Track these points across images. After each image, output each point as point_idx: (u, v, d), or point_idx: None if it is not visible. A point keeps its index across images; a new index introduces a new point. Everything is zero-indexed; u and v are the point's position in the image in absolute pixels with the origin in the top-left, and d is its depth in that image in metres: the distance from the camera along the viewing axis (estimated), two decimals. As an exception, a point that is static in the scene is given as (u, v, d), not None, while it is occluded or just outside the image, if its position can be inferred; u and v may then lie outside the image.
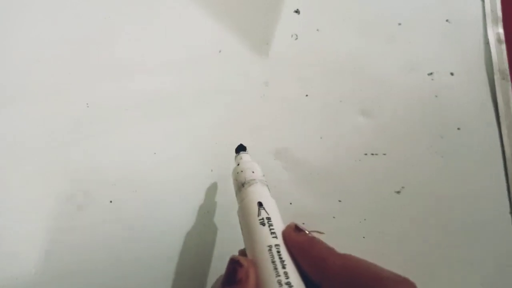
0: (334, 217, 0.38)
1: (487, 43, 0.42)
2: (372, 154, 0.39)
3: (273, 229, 0.24)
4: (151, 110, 0.38)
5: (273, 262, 0.22)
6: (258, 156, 0.37)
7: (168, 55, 0.39)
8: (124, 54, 0.38)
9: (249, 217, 0.25)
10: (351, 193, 0.38)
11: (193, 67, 0.39)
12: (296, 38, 0.41)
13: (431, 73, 0.41)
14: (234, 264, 0.23)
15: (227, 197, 0.36)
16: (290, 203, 0.38)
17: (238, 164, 0.31)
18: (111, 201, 0.35)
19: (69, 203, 0.35)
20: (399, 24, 0.42)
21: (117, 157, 0.36)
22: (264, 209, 0.25)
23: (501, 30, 0.42)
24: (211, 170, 0.37)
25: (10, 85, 0.37)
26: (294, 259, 0.23)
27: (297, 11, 0.41)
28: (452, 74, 0.41)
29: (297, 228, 0.25)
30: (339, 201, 0.38)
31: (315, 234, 0.37)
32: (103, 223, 0.35)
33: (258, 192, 0.27)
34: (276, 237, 0.24)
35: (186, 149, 0.37)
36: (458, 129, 0.40)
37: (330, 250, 0.24)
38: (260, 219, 0.25)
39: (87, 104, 0.37)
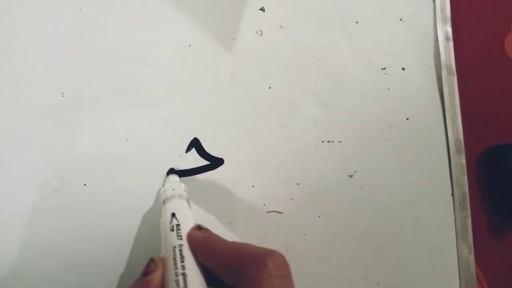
0: (292, 199, 0.41)
1: (436, 40, 0.46)
2: (328, 141, 0.42)
3: (180, 233, 0.30)
4: (124, 99, 0.40)
5: (174, 258, 0.28)
6: (225, 144, 0.41)
7: (140, 48, 0.42)
8: (96, 46, 0.41)
9: (163, 225, 0.32)
10: (308, 177, 0.42)
11: (164, 60, 0.42)
12: (261, 34, 0.44)
13: (384, 68, 0.45)
14: (149, 260, 0.29)
15: (194, 182, 0.39)
16: (253, 186, 0.41)
17: (163, 185, 0.38)
18: (85, 184, 0.38)
19: (44, 187, 0.38)
20: (357, 22, 0.45)
21: (91, 143, 0.39)
22: (175, 218, 0.32)
23: (449, 29, 0.46)
24: (180, 156, 0.40)
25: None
26: (195, 256, 0.29)
27: (262, 9, 0.44)
28: (403, 69, 0.45)
29: (198, 227, 0.31)
30: (298, 184, 0.42)
31: (275, 214, 0.41)
32: (78, 206, 0.38)
33: (174, 206, 0.34)
34: (181, 239, 0.30)
35: (156, 136, 0.40)
36: (407, 119, 0.44)
37: (218, 240, 0.29)
38: (171, 226, 0.31)
39: (63, 93, 0.40)
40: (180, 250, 0.29)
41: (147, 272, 0.28)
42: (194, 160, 0.41)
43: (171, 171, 0.40)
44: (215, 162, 0.41)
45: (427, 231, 0.42)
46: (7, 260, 0.37)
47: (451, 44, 0.46)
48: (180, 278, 0.27)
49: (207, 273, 0.28)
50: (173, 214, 0.32)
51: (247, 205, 0.41)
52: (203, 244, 0.29)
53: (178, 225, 0.31)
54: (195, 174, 0.41)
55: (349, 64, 0.44)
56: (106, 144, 0.40)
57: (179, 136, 0.41)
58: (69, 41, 0.41)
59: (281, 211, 0.41)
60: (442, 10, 0.47)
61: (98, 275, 0.37)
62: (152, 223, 0.38)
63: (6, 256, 0.37)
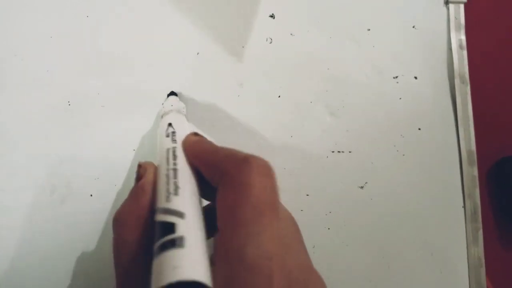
0: (302, 210, 0.41)
1: (450, 48, 0.45)
2: (339, 151, 0.42)
3: (174, 138, 0.30)
4: (131, 107, 0.40)
5: (167, 158, 0.28)
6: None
7: (148, 56, 0.41)
8: (103, 54, 0.40)
9: (160, 134, 0.32)
10: (318, 188, 0.41)
11: (172, 68, 0.41)
12: (271, 42, 0.43)
13: (396, 77, 0.44)
14: (137, 167, 0.29)
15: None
16: (261, 197, 0.40)
17: (163, 103, 0.39)
18: (91, 195, 0.38)
19: (52, 195, 0.38)
20: (368, 29, 0.44)
21: (98, 152, 0.39)
22: (172, 126, 0.32)
23: (463, 37, 0.45)
24: (188, 166, 0.40)
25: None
26: (187, 157, 0.29)
27: (272, 16, 0.43)
28: (415, 78, 0.44)
29: (195, 134, 0.31)
30: (307, 195, 0.41)
31: (284, 226, 0.40)
32: (84, 216, 0.37)
33: (172, 117, 0.34)
34: (175, 142, 0.30)
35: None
36: (419, 129, 0.43)
37: (208, 142, 0.29)
38: (166, 134, 0.31)
39: (69, 101, 0.39)
40: (173, 151, 0.29)
41: (138, 177, 0.28)
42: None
43: (172, 93, 0.40)
44: (223, 172, 0.40)
45: (438, 244, 0.42)
46: (12, 267, 0.37)
47: (465, 52, 0.45)
48: (171, 172, 0.26)
49: (198, 174, 0.28)
50: (170, 124, 0.32)
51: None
52: (193, 145, 0.29)
53: (173, 132, 0.31)
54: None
55: (361, 73, 0.43)
56: (113, 153, 0.39)
57: (187, 146, 0.40)
58: (76, 49, 0.40)
59: (290, 223, 0.41)
60: (456, 18, 0.46)
61: (103, 285, 0.37)
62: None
63: (11, 263, 0.37)
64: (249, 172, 0.23)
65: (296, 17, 0.44)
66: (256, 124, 0.41)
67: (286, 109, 0.42)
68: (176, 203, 0.25)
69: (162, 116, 0.36)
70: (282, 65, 0.43)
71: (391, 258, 0.41)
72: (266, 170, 0.24)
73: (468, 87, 0.44)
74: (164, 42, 0.41)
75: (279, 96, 0.42)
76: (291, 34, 0.43)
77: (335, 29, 0.44)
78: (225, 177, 0.24)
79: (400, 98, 0.43)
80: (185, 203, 0.25)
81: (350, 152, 0.42)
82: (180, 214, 0.24)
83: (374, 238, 0.41)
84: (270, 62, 0.42)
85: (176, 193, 0.25)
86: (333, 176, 0.41)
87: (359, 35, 0.44)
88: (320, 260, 0.40)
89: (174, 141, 0.30)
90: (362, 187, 0.42)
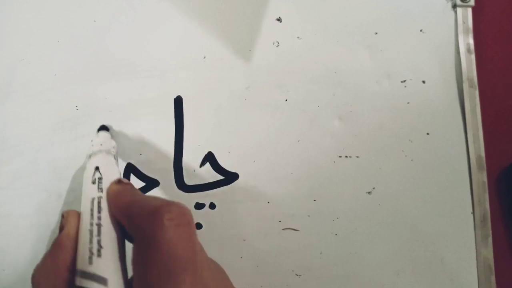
0: (309, 216, 0.40)
1: (458, 52, 0.45)
2: (346, 156, 0.41)
3: (101, 186, 0.28)
4: (136, 112, 0.40)
5: (92, 209, 0.27)
6: (240, 158, 0.40)
7: (155, 60, 0.41)
8: (110, 58, 0.40)
9: (85, 179, 0.30)
10: (325, 193, 0.41)
11: (179, 72, 0.41)
12: (278, 45, 0.43)
13: (404, 81, 0.43)
14: (61, 216, 0.27)
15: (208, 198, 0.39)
16: (268, 202, 0.40)
17: (92, 140, 0.36)
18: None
19: (58, 200, 0.38)
20: (376, 33, 0.44)
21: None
22: (99, 171, 0.30)
23: (471, 41, 0.45)
24: (194, 171, 0.40)
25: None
26: (111, 211, 0.27)
27: (279, 19, 0.43)
28: (423, 82, 0.44)
29: (118, 181, 0.29)
30: (314, 200, 0.41)
31: (291, 231, 0.40)
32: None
33: (99, 160, 0.32)
34: (101, 191, 0.28)
35: (170, 151, 0.39)
36: (427, 134, 0.43)
37: (131, 192, 0.27)
38: (92, 179, 0.29)
39: (76, 106, 0.39)
40: (99, 202, 0.27)
41: (60, 227, 0.27)
42: (209, 174, 0.40)
43: (102, 128, 0.38)
44: (229, 177, 0.40)
45: (448, 251, 0.41)
46: (17, 274, 0.37)
47: (473, 56, 0.45)
48: (95, 228, 0.25)
49: (122, 227, 0.26)
50: (97, 168, 0.30)
51: (262, 222, 0.40)
52: (116, 196, 0.27)
53: (100, 178, 0.29)
54: (209, 189, 0.40)
55: (368, 77, 0.43)
56: (120, 157, 0.39)
57: (193, 150, 0.40)
58: (83, 53, 0.40)
59: (297, 229, 0.40)
60: (464, 22, 0.45)
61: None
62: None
63: (16, 270, 0.37)
64: (160, 226, 0.21)
65: (303, 21, 0.43)
66: (263, 128, 0.41)
67: (293, 113, 0.42)
68: (99, 267, 0.23)
69: (89, 156, 0.33)
70: (289, 68, 0.42)
71: (400, 265, 0.40)
72: (179, 219, 0.22)
73: (477, 92, 0.44)
74: (171, 46, 0.41)
75: (286, 100, 0.42)
76: (298, 37, 0.43)
77: (343, 32, 0.44)
78: (138, 233, 0.23)
79: (408, 103, 0.43)
80: (109, 267, 0.23)
81: (357, 157, 0.42)
82: (102, 280, 0.23)
83: (382, 245, 0.41)
84: (277, 65, 0.42)
85: (99, 255, 0.24)
86: (340, 181, 0.41)
87: (367, 39, 0.44)
88: (327, 267, 0.40)
89: (100, 189, 0.28)
90: (369, 193, 0.41)
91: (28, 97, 0.39)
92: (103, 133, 0.37)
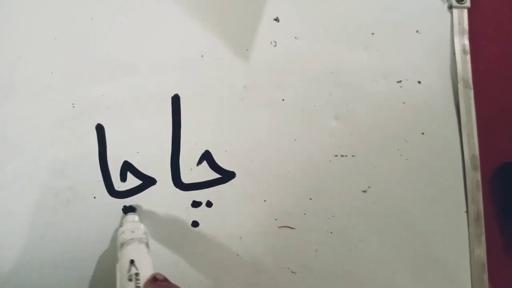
0: (305, 214, 0.41)
1: (453, 53, 0.45)
2: (342, 155, 0.42)
3: (138, 283, 0.29)
4: (134, 110, 0.40)
5: None
6: (237, 157, 0.40)
7: (153, 58, 0.41)
8: (107, 56, 0.40)
9: (121, 272, 0.30)
10: (321, 191, 0.41)
11: (177, 71, 0.41)
12: (275, 45, 0.43)
13: (400, 81, 0.44)
14: None
15: (205, 195, 0.39)
16: (265, 201, 0.41)
17: (121, 226, 0.36)
18: (95, 197, 0.38)
19: (56, 198, 0.38)
20: (372, 34, 0.44)
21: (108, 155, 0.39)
22: (134, 266, 0.30)
23: (466, 42, 0.45)
24: (191, 169, 0.40)
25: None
26: None
27: (276, 19, 0.43)
28: (419, 82, 0.44)
29: (154, 279, 0.29)
30: (310, 199, 0.41)
31: (287, 229, 0.40)
32: (88, 218, 0.38)
33: (133, 251, 0.32)
34: None
35: (167, 148, 0.40)
36: (423, 133, 0.43)
37: None
38: (129, 275, 0.29)
39: (73, 104, 0.39)
40: None
41: None
42: (206, 173, 0.40)
43: (127, 209, 0.38)
44: (226, 176, 0.40)
45: (441, 249, 0.42)
46: (17, 270, 0.37)
47: (468, 57, 0.45)
48: None
49: None
50: (132, 262, 0.30)
51: (258, 220, 0.40)
52: None
53: (137, 274, 0.30)
54: (206, 188, 0.40)
55: (365, 76, 0.43)
56: (117, 155, 0.39)
57: (190, 149, 0.40)
58: (80, 51, 0.40)
59: (293, 226, 0.41)
60: (460, 23, 0.45)
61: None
62: (168, 237, 0.38)
63: (16, 267, 0.37)
64: None
65: (301, 21, 0.44)
66: (260, 127, 0.41)
67: (290, 113, 0.42)
68: None
69: (121, 245, 0.33)
70: (286, 68, 0.43)
71: (396, 263, 0.41)
72: None
73: (472, 92, 0.44)
74: (169, 45, 0.41)
75: (283, 100, 0.42)
76: (295, 37, 0.43)
77: (340, 33, 0.44)
78: None
79: (404, 103, 0.43)
80: None
81: (353, 156, 0.42)
82: None
83: (378, 243, 0.41)
84: (275, 65, 0.42)
85: None
86: (336, 180, 0.41)
87: (364, 39, 0.44)
88: (322, 264, 0.41)
89: (138, 287, 0.29)
90: (365, 191, 0.42)
91: (27, 97, 0.39)
92: (131, 217, 0.37)
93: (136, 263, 0.30)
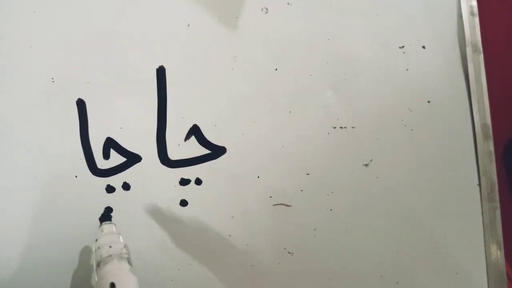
0: (301, 190, 0.38)
1: (460, 15, 0.42)
2: (341, 127, 0.39)
3: None
4: (117, 84, 0.38)
5: None
6: (227, 131, 0.38)
7: (135, 29, 0.39)
8: (88, 27, 0.38)
9: None
10: (319, 166, 0.38)
11: (161, 42, 0.39)
12: (266, 12, 0.40)
13: (402, 47, 0.41)
14: None
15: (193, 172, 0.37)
16: (258, 177, 0.38)
17: (97, 240, 0.32)
18: (76, 176, 0.36)
19: (35, 179, 0.36)
20: (371, -3, 0.41)
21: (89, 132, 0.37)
22: None
23: (474, 3, 0.42)
24: (178, 145, 0.37)
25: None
26: None
27: (267, -16, 0.40)
28: (423, 47, 0.41)
29: None
30: (307, 174, 0.38)
31: (282, 207, 0.38)
32: (69, 199, 0.35)
33: (113, 271, 0.28)
34: None
35: (152, 123, 0.37)
36: (428, 102, 0.40)
37: None
38: None
39: (52, 78, 0.37)
40: None
41: None
42: (194, 148, 0.38)
43: (104, 218, 0.34)
44: (216, 151, 0.38)
45: (452, 226, 0.38)
46: (20, 264, 0.35)
47: (477, 19, 0.42)
48: None
49: None
50: (113, 285, 0.27)
51: (251, 198, 0.38)
52: None
53: None
54: (194, 164, 0.38)
55: (363, 43, 0.40)
56: (99, 132, 0.37)
57: (177, 123, 0.38)
58: (60, 23, 0.38)
59: (289, 204, 0.38)
60: (466, -18, 0.42)
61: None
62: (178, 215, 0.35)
63: (18, 261, 0.35)
64: None
65: (293, -15, 0.41)
66: (252, 99, 0.39)
67: (283, 83, 0.39)
68: None
69: (98, 264, 0.29)
70: (279, 36, 0.40)
71: (400, 242, 0.38)
72: None
73: (481, 56, 0.41)
74: (152, 14, 0.39)
75: (276, 69, 0.39)
76: (288, 3, 0.40)
77: (335, -3, 0.41)
78: None
79: (407, 69, 0.40)
80: None
81: (353, 127, 0.39)
82: None
83: (381, 220, 0.38)
84: (266, 33, 0.40)
85: None
86: (335, 153, 0.38)
87: (361, 2, 0.41)
88: (321, 244, 0.38)
89: None
90: (367, 165, 0.38)
91: (3, 72, 0.37)
92: (107, 227, 0.33)
93: (117, 285, 0.27)
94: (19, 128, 0.36)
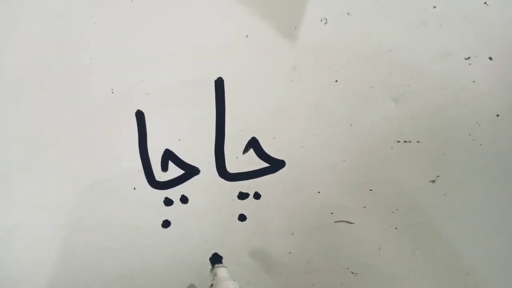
0: (364, 207, 0.36)
1: (528, 25, 0.40)
2: (405, 141, 0.37)
3: None
4: (176, 96, 0.37)
5: None
6: (286, 144, 0.37)
7: (194, 41, 0.38)
8: (148, 40, 0.38)
9: None
10: (383, 182, 0.37)
11: (220, 52, 0.38)
12: (326, 22, 0.39)
13: (468, 58, 0.39)
14: None
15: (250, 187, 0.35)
16: (318, 192, 0.37)
17: (212, 285, 0.31)
18: (134, 188, 0.35)
19: (93, 190, 0.35)
20: (434, 7, 0.40)
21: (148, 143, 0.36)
22: None
23: (544, 12, 0.40)
24: (236, 157, 0.36)
25: (30, 74, 0.37)
26: None
27: (326, -6, 0.39)
28: (490, 58, 0.39)
29: None
30: (370, 190, 0.37)
31: (344, 224, 0.36)
32: (127, 210, 0.35)
33: None
34: None
35: (210, 135, 0.37)
36: (497, 115, 0.38)
37: None
38: None
39: (112, 89, 0.37)
40: None
41: None
42: (253, 161, 0.37)
43: (216, 260, 0.34)
44: (275, 164, 0.37)
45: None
46: (58, 261, 0.35)
47: (547, 29, 0.40)
48: None
49: None
50: None
51: (312, 214, 0.36)
52: None
53: None
54: (253, 178, 0.37)
55: (426, 54, 0.39)
56: (158, 143, 0.36)
57: (235, 135, 0.37)
58: (119, 35, 0.38)
59: (351, 221, 0.36)
60: (535, -9, 0.40)
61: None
62: (210, 226, 0.34)
63: (56, 258, 0.35)
64: None
65: (353, -5, 0.40)
66: (311, 112, 0.38)
67: (344, 95, 0.38)
68: None
69: None
70: (338, 47, 0.39)
71: (470, 262, 0.36)
72: None
73: (553, 68, 0.39)
74: (211, 25, 0.38)
75: (336, 81, 0.38)
76: (348, 13, 0.39)
77: (397, 6, 0.40)
78: None
79: (474, 81, 0.38)
80: None
81: (418, 142, 0.37)
82: None
83: (450, 240, 0.36)
84: (326, 44, 0.39)
85: None
86: (399, 169, 0.37)
87: (424, 13, 0.40)
88: (387, 264, 0.36)
89: None
90: (433, 181, 0.37)
91: (64, 83, 0.37)
92: (221, 271, 0.33)
93: None
94: (78, 138, 0.36)
